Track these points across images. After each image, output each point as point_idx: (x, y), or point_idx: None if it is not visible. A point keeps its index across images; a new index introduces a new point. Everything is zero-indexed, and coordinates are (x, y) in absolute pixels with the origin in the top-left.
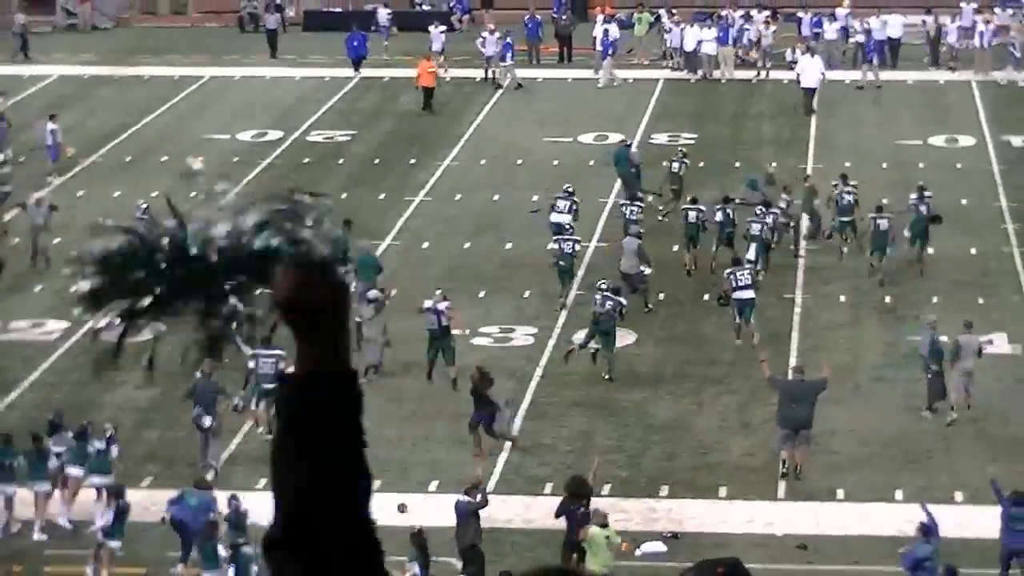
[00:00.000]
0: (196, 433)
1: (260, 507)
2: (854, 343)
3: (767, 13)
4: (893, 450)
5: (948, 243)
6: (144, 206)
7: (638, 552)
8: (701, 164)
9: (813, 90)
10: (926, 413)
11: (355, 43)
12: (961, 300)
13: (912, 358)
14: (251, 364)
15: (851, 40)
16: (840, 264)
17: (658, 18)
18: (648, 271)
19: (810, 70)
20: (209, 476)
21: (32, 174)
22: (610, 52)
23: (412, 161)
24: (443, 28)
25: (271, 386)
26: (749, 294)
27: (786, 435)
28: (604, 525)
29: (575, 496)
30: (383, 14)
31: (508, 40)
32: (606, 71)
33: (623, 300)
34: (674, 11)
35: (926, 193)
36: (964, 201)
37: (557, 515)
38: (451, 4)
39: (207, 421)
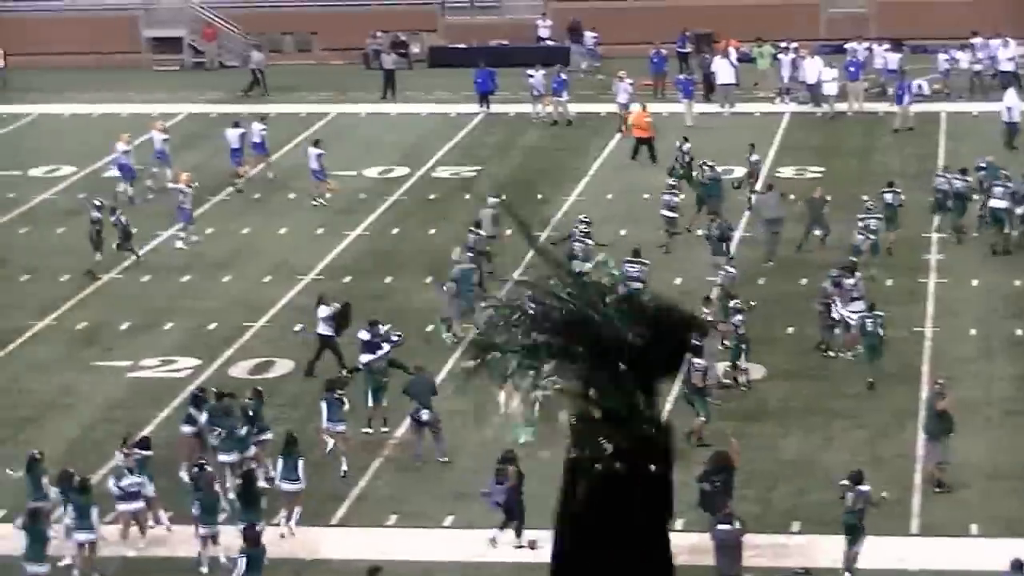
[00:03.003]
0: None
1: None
2: (985, 376)
3: (887, 45)
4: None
5: None
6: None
7: None
8: (829, 197)
9: (1015, 124)
10: None
11: (481, 79)
12: None
13: None
14: (363, 360)
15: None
16: (970, 297)
17: (781, 51)
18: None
19: (1016, 105)
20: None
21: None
22: (691, 91)
23: (539, 196)
24: (629, 81)
25: (385, 380)
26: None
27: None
28: None
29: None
30: (589, 37)
31: (561, 76)
32: (689, 111)
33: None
34: (796, 45)
35: None
36: None
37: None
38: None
39: (425, 415)
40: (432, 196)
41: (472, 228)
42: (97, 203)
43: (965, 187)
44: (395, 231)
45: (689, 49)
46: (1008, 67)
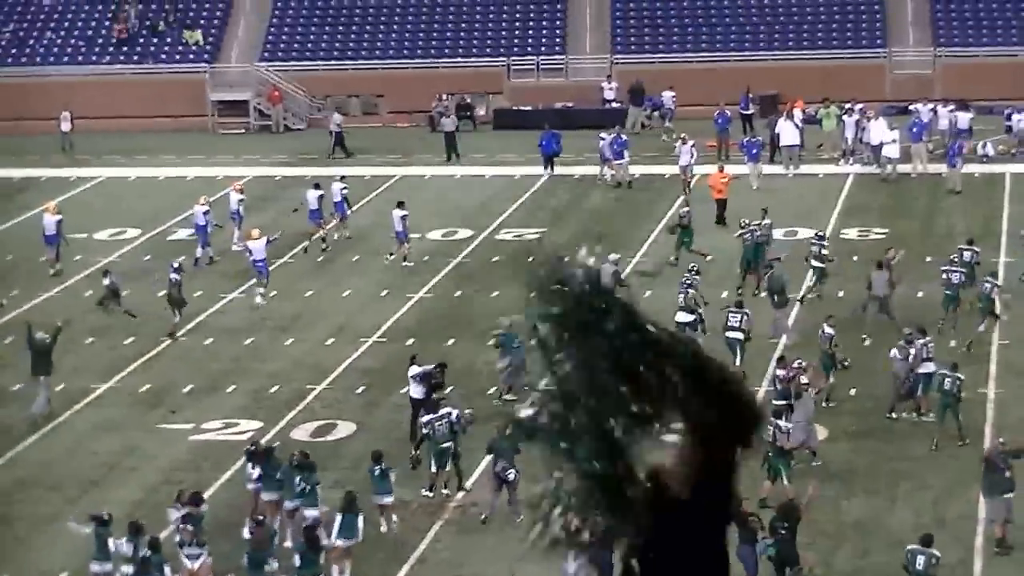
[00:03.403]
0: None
1: None
2: None
3: (952, 106)
4: None
5: None
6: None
7: None
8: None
9: None
10: None
11: (546, 141)
12: None
13: None
14: (425, 428)
15: None
16: None
17: (846, 112)
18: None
19: None
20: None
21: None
22: (755, 153)
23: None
24: (692, 143)
25: (447, 445)
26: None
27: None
28: None
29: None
30: (668, 96)
31: (622, 138)
32: (754, 173)
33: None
34: (862, 106)
35: None
36: None
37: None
38: (647, 102)
39: (512, 474)
40: (495, 258)
41: None
42: (176, 265)
43: None
44: (458, 293)
45: (752, 110)
46: None
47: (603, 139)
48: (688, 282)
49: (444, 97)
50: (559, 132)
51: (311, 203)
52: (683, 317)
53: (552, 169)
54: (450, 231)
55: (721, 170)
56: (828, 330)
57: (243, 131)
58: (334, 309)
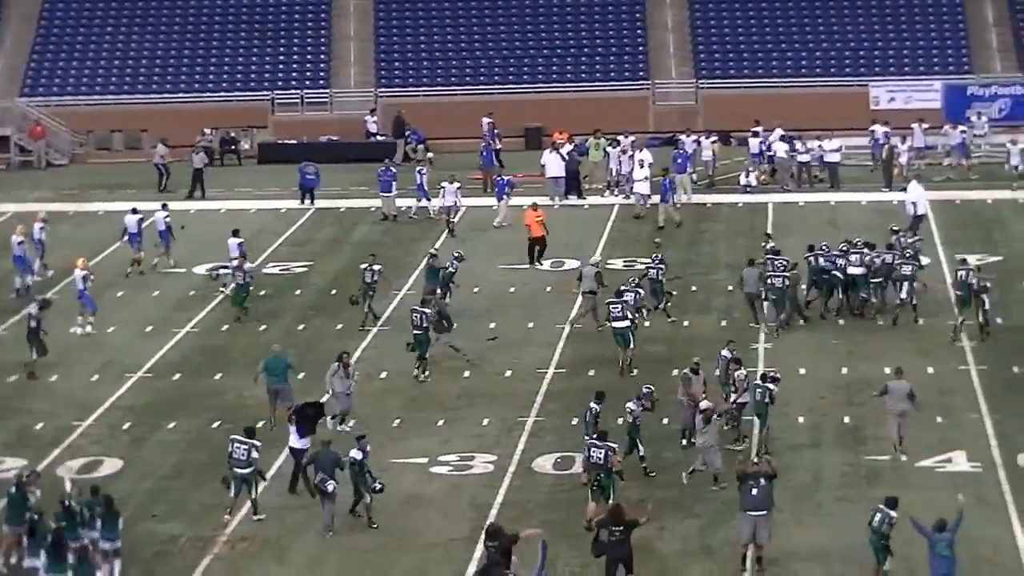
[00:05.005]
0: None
1: None
2: (815, 463)
3: (715, 137)
4: (856, 571)
5: (905, 363)
6: None
7: None
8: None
9: (923, 216)
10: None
11: (307, 174)
12: (920, 419)
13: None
14: (230, 447)
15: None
16: (802, 385)
17: (611, 144)
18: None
19: (920, 197)
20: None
21: None
22: (506, 192)
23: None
24: (456, 185)
25: (246, 471)
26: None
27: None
28: None
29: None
30: (486, 122)
31: (391, 170)
32: (502, 211)
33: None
34: (634, 139)
35: None
36: (920, 322)
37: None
38: (407, 134)
39: (331, 486)
40: (263, 292)
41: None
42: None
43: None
44: (225, 327)
45: (499, 145)
46: (833, 159)
47: (421, 172)
48: (631, 288)
49: (208, 132)
50: (317, 166)
51: (131, 227)
52: (620, 325)
53: (312, 202)
54: (216, 266)
55: (535, 208)
56: (725, 353)
57: (3, 167)
58: (99, 344)
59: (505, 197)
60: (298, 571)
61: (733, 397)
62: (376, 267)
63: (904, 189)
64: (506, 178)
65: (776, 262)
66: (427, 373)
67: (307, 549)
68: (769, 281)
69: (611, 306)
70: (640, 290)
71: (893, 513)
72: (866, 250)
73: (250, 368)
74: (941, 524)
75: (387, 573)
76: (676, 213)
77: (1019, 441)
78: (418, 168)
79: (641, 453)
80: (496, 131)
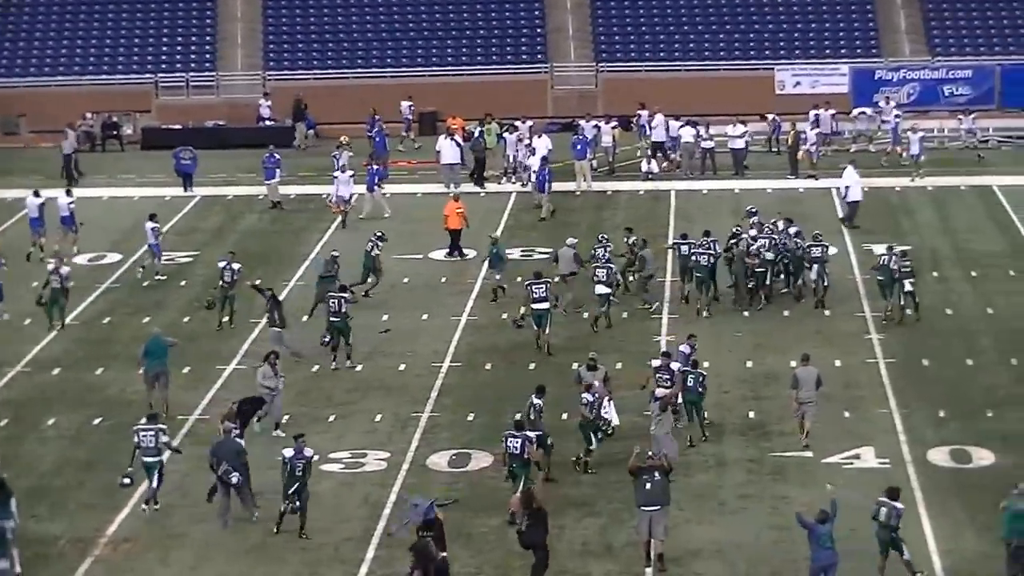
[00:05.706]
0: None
1: None
2: (719, 459)
3: (615, 123)
4: (760, 569)
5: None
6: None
7: None
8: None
9: (858, 203)
10: None
11: (183, 159)
12: (827, 413)
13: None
14: (135, 438)
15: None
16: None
17: (506, 129)
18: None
19: (856, 183)
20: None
21: None
22: (376, 181)
23: (258, 281)
24: (349, 173)
25: (156, 459)
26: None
27: None
28: None
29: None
30: (405, 106)
31: (275, 156)
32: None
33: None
34: (531, 124)
35: None
36: (827, 312)
37: None
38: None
39: (235, 477)
40: (146, 283)
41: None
42: None
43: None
44: (107, 320)
45: (375, 131)
46: (738, 145)
47: (336, 157)
48: (606, 257)
49: (89, 116)
50: (195, 153)
51: (32, 211)
52: (601, 290)
53: (190, 188)
54: (98, 255)
55: (456, 199)
56: (684, 348)
57: None
58: None
59: (376, 188)
60: (182, 573)
61: (671, 390)
62: (235, 266)
63: (812, 177)
64: (376, 167)
65: (704, 242)
66: (350, 361)
67: (193, 549)
68: (695, 259)
69: (533, 287)
70: (611, 265)
71: (899, 504)
72: (775, 237)
73: (133, 361)
74: (823, 517)
75: (276, 574)
76: (548, 206)
77: (928, 436)
78: (334, 153)
79: (591, 447)
80: (376, 116)
